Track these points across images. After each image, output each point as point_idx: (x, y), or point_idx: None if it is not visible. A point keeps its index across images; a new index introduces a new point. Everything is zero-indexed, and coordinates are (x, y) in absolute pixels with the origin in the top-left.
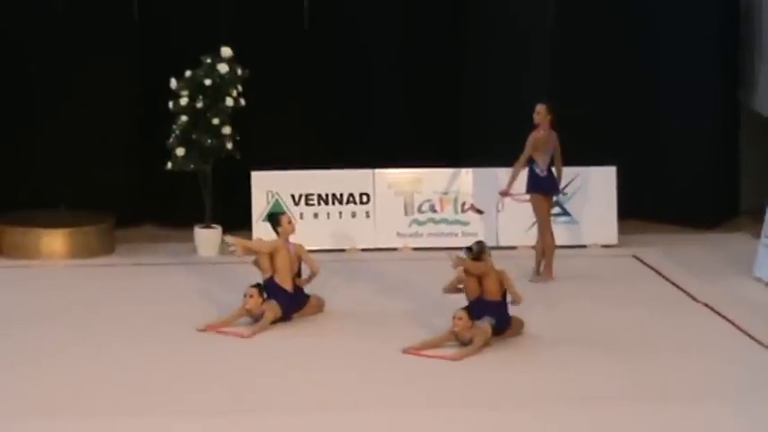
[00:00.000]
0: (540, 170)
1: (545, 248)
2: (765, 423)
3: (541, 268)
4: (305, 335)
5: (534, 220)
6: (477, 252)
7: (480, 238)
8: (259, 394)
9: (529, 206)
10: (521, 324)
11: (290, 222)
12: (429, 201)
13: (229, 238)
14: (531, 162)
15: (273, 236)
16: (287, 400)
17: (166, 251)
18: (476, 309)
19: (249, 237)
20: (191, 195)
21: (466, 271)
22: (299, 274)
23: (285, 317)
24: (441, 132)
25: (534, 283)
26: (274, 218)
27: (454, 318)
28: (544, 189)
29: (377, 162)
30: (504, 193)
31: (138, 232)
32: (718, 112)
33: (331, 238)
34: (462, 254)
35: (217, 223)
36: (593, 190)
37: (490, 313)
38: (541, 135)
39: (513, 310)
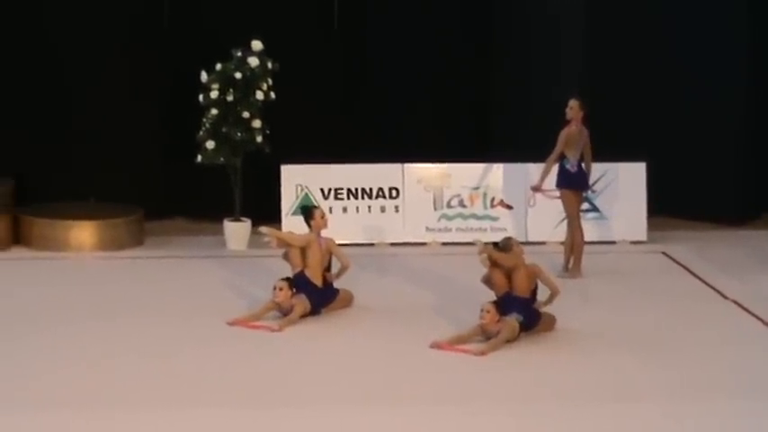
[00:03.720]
0: (571, 166)
1: (574, 244)
2: None
3: (570, 264)
4: (334, 329)
5: (564, 215)
6: (504, 245)
7: (509, 233)
8: (287, 388)
9: (559, 202)
10: (552, 320)
11: (323, 217)
12: (458, 195)
13: (264, 229)
14: (561, 158)
15: (304, 229)
16: (315, 394)
17: (196, 244)
18: (504, 304)
19: (277, 230)
20: (220, 188)
21: (494, 263)
22: (328, 269)
23: (314, 311)
24: (471, 127)
25: (563, 279)
26: (308, 211)
27: (482, 310)
28: (574, 185)
29: (406, 156)
30: (536, 189)
31: (168, 225)
32: (746, 110)
33: (360, 232)
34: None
35: (246, 217)
36: (623, 186)
37: (518, 309)
38: (573, 130)
39: (550, 306)
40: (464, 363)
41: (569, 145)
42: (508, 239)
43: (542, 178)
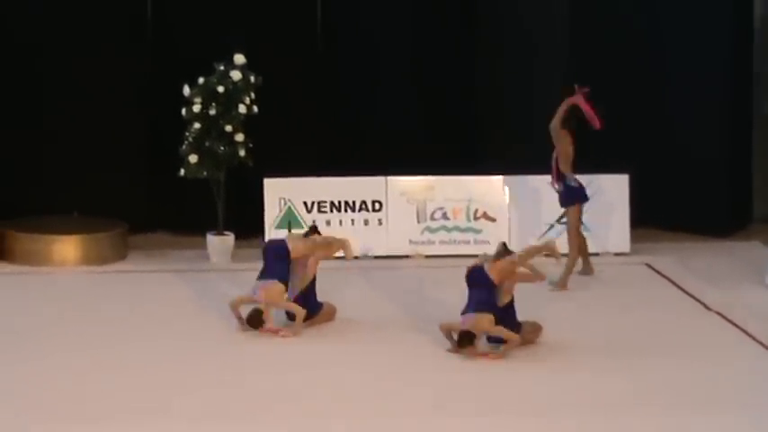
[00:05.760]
0: (574, 182)
1: (572, 255)
2: None
3: (589, 267)
4: (317, 342)
5: (549, 226)
6: (503, 250)
7: (492, 246)
8: (271, 401)
9: (542, 211)
10: (538, 330)
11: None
12: (441, 208)
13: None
14: (563, 177)
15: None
16: (298, 407)
17: (179, 258)
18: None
19: (261, 244)
20: (203, 202)
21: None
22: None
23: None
24: (454, 139)
25: (551, 292)
26: (312, 228)
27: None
28: (581, 198)
29: (390, 169)
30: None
31: (151, 239)
32: (731, 120)
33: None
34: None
35: (229, 230)
36: (606, 198)
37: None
38: (570, 148)
39: (528, 314)
40: (449, 374)
41: (566, 163)
42: (503, 244)
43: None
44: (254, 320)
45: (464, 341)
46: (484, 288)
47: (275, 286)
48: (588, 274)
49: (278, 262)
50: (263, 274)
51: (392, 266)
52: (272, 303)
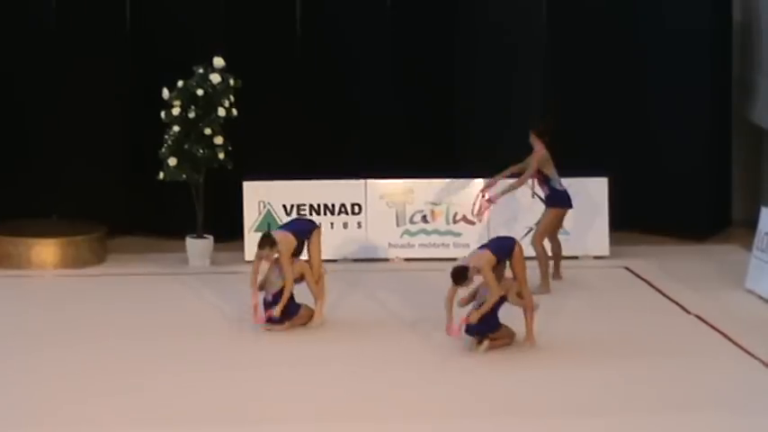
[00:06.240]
0: (559, 185)
1: (539, 258)
2: None
3: (559, 272)
4: (297, 345)
5: (527, 230)
6: None
7: (472, 248)
8: (251, 404)
9: (522, 214)
10: (512, 335)
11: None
12: (421, 211)
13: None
14: (548, 180)
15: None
16: (278, 411)
17: (158, 261)
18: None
19: (240, 246)
20: (182, 205)
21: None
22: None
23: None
24: (434, 143)
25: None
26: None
27: None
28: (566, 203)
29: (369, 172)
30: (492, 201)
31: (130, 242)
32: (711, 124)
33: (322, 248)
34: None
35: (208, 233)
36: (585, 201)
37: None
38: (545, 153)
39: (510, 318)
40: (432, 377)
41: (548, 166)
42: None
43: (503, 194)
44: (266, 241)
45: (458, 278)
46: (505, 246)
47: (288, 237)
48: (544, 292)
49: (301, 224)
50: (281, 227)
51: (371, 269)
52: (282, 252)
